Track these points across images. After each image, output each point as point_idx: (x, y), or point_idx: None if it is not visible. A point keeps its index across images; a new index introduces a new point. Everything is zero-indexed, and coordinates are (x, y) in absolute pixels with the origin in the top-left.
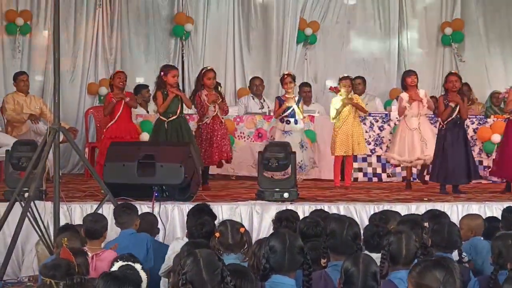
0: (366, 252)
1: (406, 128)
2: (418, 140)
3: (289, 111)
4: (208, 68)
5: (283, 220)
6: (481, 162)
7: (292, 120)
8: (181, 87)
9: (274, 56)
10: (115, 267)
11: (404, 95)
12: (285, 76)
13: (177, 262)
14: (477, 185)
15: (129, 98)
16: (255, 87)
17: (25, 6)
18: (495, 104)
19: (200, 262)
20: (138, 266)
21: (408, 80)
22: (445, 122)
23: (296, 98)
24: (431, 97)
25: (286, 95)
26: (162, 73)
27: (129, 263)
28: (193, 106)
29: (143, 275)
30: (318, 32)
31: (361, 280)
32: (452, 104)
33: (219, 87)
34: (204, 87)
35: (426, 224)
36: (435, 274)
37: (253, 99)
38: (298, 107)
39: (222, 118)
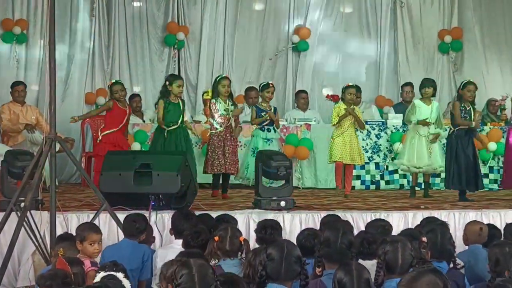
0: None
1: (416, 135)
2: (426, 148)
3: (268, 120)
4: (223, 75)
5: (268, 227)
6: None
7: (271, 128)
8: None
9: (268, 64)
10: (97, 278)
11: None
12: (270, 85)
13: (164, 270)
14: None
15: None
16: (251, 99)
17: (21, 15)
18: (491, 111)
19: (195, 276)
20: (120, 275)
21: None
22: (457, 129)
23: (273, 108)
24: None
25: (264, 104)
26: (167, 83)
27: (111, 272)
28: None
29: (126, 283)
30: (313, 39)
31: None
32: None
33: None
34: (218, 95)
35: (424, 238)
36: (423, 284)
37: (249, 108)
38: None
39: (232, 130)
